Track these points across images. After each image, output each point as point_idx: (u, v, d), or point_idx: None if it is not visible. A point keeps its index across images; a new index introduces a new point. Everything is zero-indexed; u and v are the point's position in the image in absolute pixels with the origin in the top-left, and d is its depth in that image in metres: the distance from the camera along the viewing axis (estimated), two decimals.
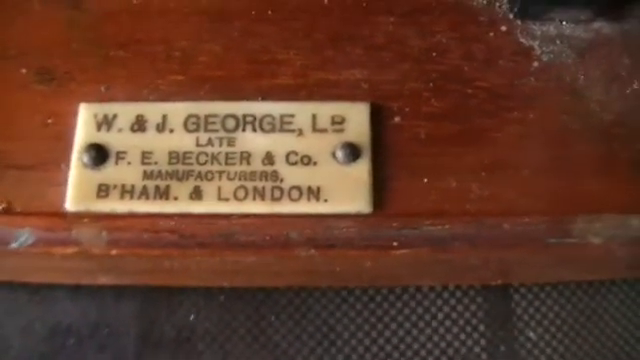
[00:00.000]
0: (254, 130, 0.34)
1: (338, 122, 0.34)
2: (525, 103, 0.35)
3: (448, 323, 0.40)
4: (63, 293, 0.40)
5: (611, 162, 0.35)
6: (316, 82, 0.35)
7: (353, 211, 0.33)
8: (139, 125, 0.34)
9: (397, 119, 0.35)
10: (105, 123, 0.34)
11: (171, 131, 0.34)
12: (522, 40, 0.36)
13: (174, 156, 0.34)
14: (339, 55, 0.36)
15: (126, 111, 0.34)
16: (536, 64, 0.36)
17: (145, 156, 0.34)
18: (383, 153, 0.34)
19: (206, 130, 0.34)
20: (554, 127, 0.35)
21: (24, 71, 0.36)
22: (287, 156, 0.34)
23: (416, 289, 0.41)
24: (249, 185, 0.33)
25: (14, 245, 0.33)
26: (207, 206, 0.33)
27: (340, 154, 0.33)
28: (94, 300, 0.40)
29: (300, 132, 0.34)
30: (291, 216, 0.33)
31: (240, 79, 0.35)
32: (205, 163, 0.34)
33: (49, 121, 0.35)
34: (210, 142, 0.34)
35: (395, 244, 0.33)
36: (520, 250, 0.34)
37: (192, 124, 0.34)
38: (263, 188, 0.33)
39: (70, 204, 0.33)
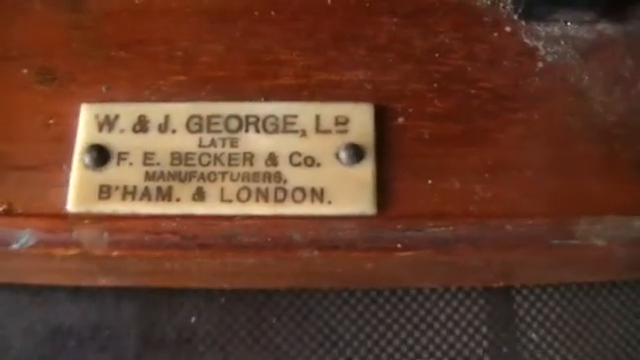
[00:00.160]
0: (257, 131, 0.34)
1: (342, 123, 0.34)
2: (529, 104, 0.35)
3: (450, 325, 0.40)
4: (64, 295, 0.40)
5: (614, 163, 0.35)
6: (319, 83, 0.35)
7: (357, 213, 0.33)
8: (141, 126, 0.34)
9: (401, 120, 0.35)
10: (107, 124, 0.34)
11: (173, 132, 0.34)
12: (526, 41, 0.36)
13: (176, 157, 0.34)
14: (342, 56, 0.36)
15: (128, 112, 0.34)
16: (540, 65, 0.36)
17: (147, 157, 0.34)
18: (387, 154, 0.34)
19: (209, 131, 0.34)
20: (558, 128, 0.35)
21: (25, 71, 0.36)
22: (290, 157, 0.34)
23: (418, 291, 0.41)
24: (252, 186, 0.33)
25: (15, 246, 0.33)
26: (210, 207, 0.33)
27: (344, 155, 0.33)
28: (95, 302, 0.40)
29: (303, 133, 0.34)
30: (294, 217, 0.33)
31: (242, 79, 0.35)
32: (208, 164, 0.33)
33: (50, 122, 0.35)
34: (213, 143, 0.34)
35: (399, 246, 0.33)
36: (523, 251, 0.34)
37: (195, 125, 0.34)
38: (266, 189, 0.33)
39: (71, 205, 0.33)
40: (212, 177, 0.33)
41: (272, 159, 0.34)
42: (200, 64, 0.36)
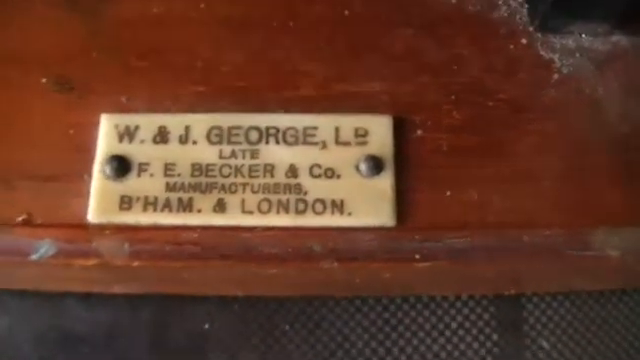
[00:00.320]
0: (277, 142, 0.34)
1: (361, 135, 0.34)
2: (545, 115, 0.36)
3: (461, 332, 0.41)
4: (76, 301, 0.40)
5: (630, 173, 0.35)
6: (338, 94, 0.35)
7: (376, 224, 0.33)
8: (161, 136, 0.34)
9: (419, 132, 0.35)
10: (127, 134, 0.34)
11: (194, 143, 0.34)
12: (542, 53, 0.37)
13: (197, 168, 0.34)
14: (360, 66, 0.36)
15: (148, 122, 0.34)
16: (556, 76, 0.36)
17: (168, 168, 0.34)
18: (405, 166, 0.34)
19: (229, 142, 0.34)
20: (573, 139, 0.35)
21: (44, 80, 0.36)
22: (311, 169, 0.34)
23: (430, 298, 0.41)
24: (273, 198, 0.33)
25: (34, 257, 0.33)
26: (231, 219, 0.33)
27: (363, 167, 0.33)
28: (107, 308, 0.40)
29: (324, 145, 0.34)
30: (314, 229, 0.33)
31: (262, 90, 0.35)
32: (229, 175, 0.34)
33: (70, 132, 0.35)
34: (233, 154, 0.34)
35: (417, 257, 0.33)
36: (538, 261, 0.35)
37: (215, 136, 0.34)
38: (287, 201, 0.33)
39: (92, 216, 0.33)
40: (233, 188, 0.33)
41: (292, 171, 0.34)
42: (220, 74, 0.36)
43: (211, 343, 0.40)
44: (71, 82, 0.35)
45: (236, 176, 0.34)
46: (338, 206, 0.33)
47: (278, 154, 0.34)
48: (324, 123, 0.34)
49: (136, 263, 0.33)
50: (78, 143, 0.34)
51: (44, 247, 0.33)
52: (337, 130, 0.34)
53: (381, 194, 0.33)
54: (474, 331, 0.41)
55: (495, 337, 0.40)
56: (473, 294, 0.41)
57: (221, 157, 0.34)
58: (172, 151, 0.34)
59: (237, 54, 0.36)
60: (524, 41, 0.37)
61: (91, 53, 0.36)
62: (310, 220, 0.33)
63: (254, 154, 0.34)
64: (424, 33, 0.37)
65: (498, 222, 0.34)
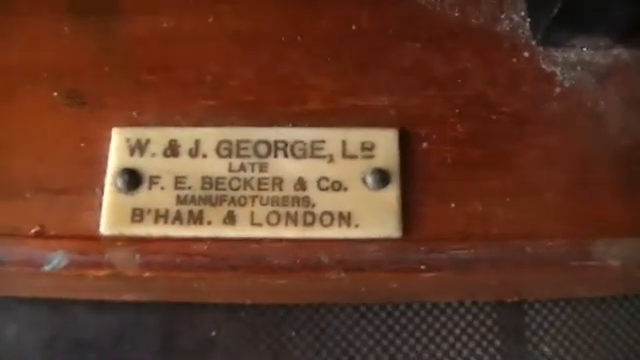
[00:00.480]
0: (286, 156, 0.35)
1: (368, 148, 0.35)
2: (548, 128, 0.36)
3: (465, 338, 0.41)
4: (85, 308, 0.41)
5: (631, 185, 0.35)
6: (345, 108, 0.36)
7: (383, 236, 0.34)
8: (172, 150, 0.35)
9: (425, 145, 0.35)
10: (138, 148, 0.35)
11: (204, 156, 0.35)
12: (544, 66, 0.37)
13: (207, 181, 0.34)
14: (367, 81, 0.36)
15: (159, 136, 0.35)
16: (558, 90, 0.37)
17: (178, 181, 0.34)
18: (411, 178, 0.35)
19: (238, 155, 0.35)
20: (576, 152, 0.36)
21: (55, 94, 0.36)
22: (318, 182, 0.34)
23: (433, 305, 0.42)
24: (281, 210, 0.34)
25: (47, 268, 0.34)
26: (240, 231, 0.34)
27: (370, 180, 0.34)
28: (116, 315, 0.41)
29: (331, 158, 0.35)
30: (322, 240, 0.34)
31: (271, 104, 0.36)
32: (238, 188, 0.34)
33: (82, 145, 0.35)
34: (242, 167, 0.34)
35: (422, 267, 0.34)
36: (541, 272, 0.35)
37: (224, 149, 0.35)
38: (295, 213, 0.34)
39: (104, 228, 0.34)
40: (242, 201, 0.34)
41: (301, 184, 0.34)
42: (229, 89, 0.36)
43: (218, 350, 0.40)
44: (83, 96, 0.36)
45: (245, 189, 0.34)
46: (345, 218, 0.34)
47: (286, 167, 0.35)
48: (331, 137, 0.35)
49: (147, 274, 0.34)
50: (89, 156, 0.35)
51: (57, 258, 0.34)
52: (344, 143, 0.35)
53: (387, 206, 0.34)
54: (477, 337, 0.41)
55: (498, 343, 0.41)
56: (476, 301, 0.41)
57: (230, 170, 0.34)
58: (182, 164, 0.34)
59: (246, 69, 0.36)
60: (526, 54, 0.37)
61: (103, 68, 0.36)
62: (318, 232, 0.34)
63: (263, 167, 0.34)
64: (430, 47, 0.37)
65: (502, 234, 0.34)
